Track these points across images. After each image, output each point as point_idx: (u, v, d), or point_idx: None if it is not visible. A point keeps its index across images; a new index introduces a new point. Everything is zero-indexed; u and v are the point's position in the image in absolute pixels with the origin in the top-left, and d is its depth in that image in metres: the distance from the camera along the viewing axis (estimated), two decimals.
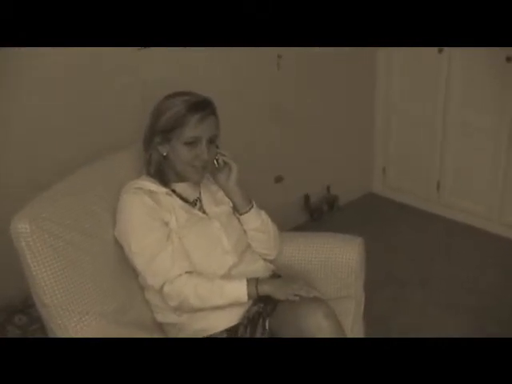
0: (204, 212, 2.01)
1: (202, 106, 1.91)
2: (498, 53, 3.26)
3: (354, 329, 2.09)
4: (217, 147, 1.99)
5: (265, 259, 2.12)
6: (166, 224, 1.89)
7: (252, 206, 2.09)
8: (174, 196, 1.96)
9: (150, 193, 1.91)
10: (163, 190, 1.94)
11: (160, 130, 1.92)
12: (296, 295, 1.82)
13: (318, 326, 1.72)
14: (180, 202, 1.96)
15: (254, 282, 1.87)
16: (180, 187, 1.99)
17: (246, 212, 2.08)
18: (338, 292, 2.18)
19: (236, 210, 2.09)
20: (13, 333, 2.20)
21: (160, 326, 1.99)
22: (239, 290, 1.85)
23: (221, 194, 2.09)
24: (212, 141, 1.94)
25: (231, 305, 1.87)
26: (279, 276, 2.08)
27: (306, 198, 3.84)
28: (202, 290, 1.84)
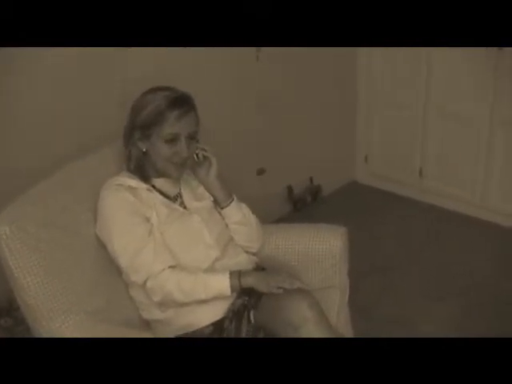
0: (185, 207, 2.00)
1: (181, 102, 1.90)
2: None
3: (339, 318, 2.11)
4: (197, 142, 1.99)
5: (248, 252, 2.12)
6: (148, 220, 1.89)
7: (232, 200, 2.09)
8: (155, 192, 1.95)
9: (131, 189, 1.90)
10: (143, 185, 1.94)
11: (139, 126, 1.91)
12: (279, 287, 1.83)
13: (302, 316, 1.73)
14: (161, 197, 1.95)
15: (236, 274, 1.87)
16: (160, 183, 1.99)
17: (227, 206, 2.08)
18: (323, 282, 2.19)
19: (217, 203, 2.09)
20: None
21: (146, 322, 1.99)
22: (222, 284, 1.85)
23: (201, 188, 2.09)
24: (192, 137, 1.94)
25: (215, 298, 1.87)
26: (263, 268, 2.08)
27: (289, 189, 3.84)
28: (185, 285, 1.84)
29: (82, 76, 2.51)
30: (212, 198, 2.08)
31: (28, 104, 2.36)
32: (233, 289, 1.86)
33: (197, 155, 2.02)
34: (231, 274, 1.87)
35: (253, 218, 2.14)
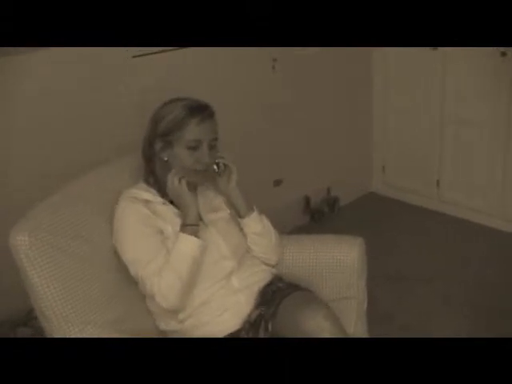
0: (200, 219, 1.98)
1: (201, 109, 1.91)
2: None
3: (356, 328, 2.09)
4: (217, 151, 1.98)
5: (266, 264, 2.11)
6: (161, 232, 1.88)
7: (253, 210, 2.07)
8: (170, 205, 1.94)
9: (146, 202, 1.91)
10: (159, 199, 1.93)
11: (160, 134, 1.92)
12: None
13: (319, 327, 1.71)
14: (176, 210, 1.94)
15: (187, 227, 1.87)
16: None
17: (248, 215, 2.06)
18: (341, 293, 2.17)
19: (237, 213, 2.07)
20: None
21: (162, 334, 1.98)
22: (187, 241, 1.84)
23: (218, 200, 2.08)
24: (213, 144, 1.94)
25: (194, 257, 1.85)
26: (281, 279, 2.07)
27: (307, 199, 3.84)
28: (172, 268, 1.82)
29: (97, 82, 2.54)
30: (229, 210, 2.08)
31: (25, 113, 2.38)
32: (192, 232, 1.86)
33: (217, 164, 1.99)
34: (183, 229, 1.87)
35: (272, 230, 2.12)
